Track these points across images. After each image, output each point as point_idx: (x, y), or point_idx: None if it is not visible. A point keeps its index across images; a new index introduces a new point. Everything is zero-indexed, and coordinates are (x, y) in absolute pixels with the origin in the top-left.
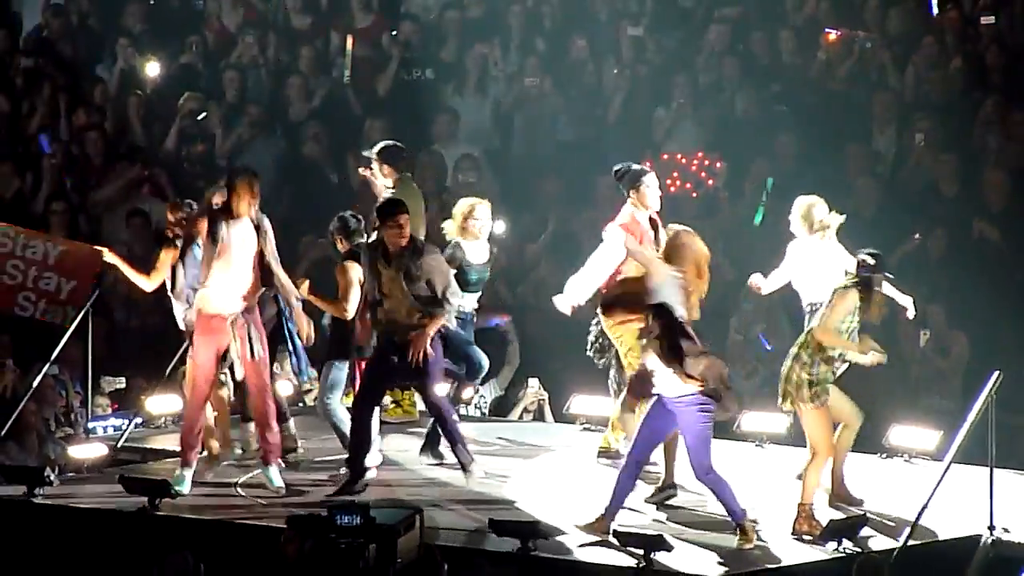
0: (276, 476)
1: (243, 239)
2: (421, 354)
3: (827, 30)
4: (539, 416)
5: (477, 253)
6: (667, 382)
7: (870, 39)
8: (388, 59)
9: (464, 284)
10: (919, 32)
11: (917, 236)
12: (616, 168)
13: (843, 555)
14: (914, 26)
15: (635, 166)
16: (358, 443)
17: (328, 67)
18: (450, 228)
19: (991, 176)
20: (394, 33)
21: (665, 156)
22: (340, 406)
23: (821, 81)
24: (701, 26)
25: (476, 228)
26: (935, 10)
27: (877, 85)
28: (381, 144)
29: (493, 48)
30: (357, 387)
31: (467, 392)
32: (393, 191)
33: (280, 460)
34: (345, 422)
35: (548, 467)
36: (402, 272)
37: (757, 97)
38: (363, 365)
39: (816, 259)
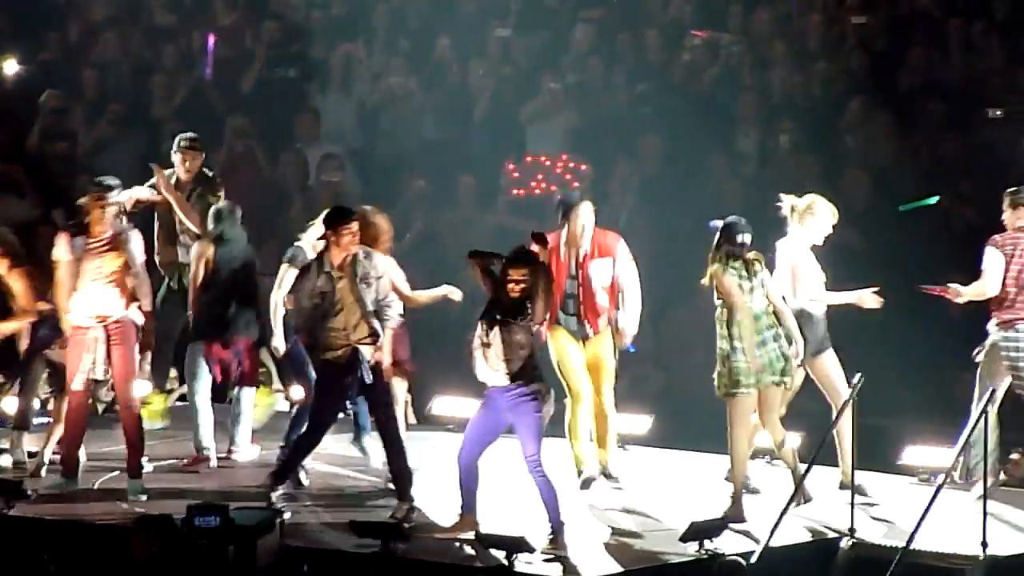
0: (138, 489)
1: (100, 257)
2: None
3: (693, 32)
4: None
5: None
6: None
7: (736, 42)
8: (252, 57)
9: None
10: (783, 34)
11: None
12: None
13: (704, 556)
14: (778, 28)
15: (569, 194)
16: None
17: (191, 65)
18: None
19: (853, 178)
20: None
21: (529, 158)
22: (202, 396)
23: (686, 83)
24: (567, 26)
25: None
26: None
27: (742, 87)
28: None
29: (358, 47)
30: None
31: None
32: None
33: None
34: (202, 414)
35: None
36: (357, 279)
37: (623, 98)
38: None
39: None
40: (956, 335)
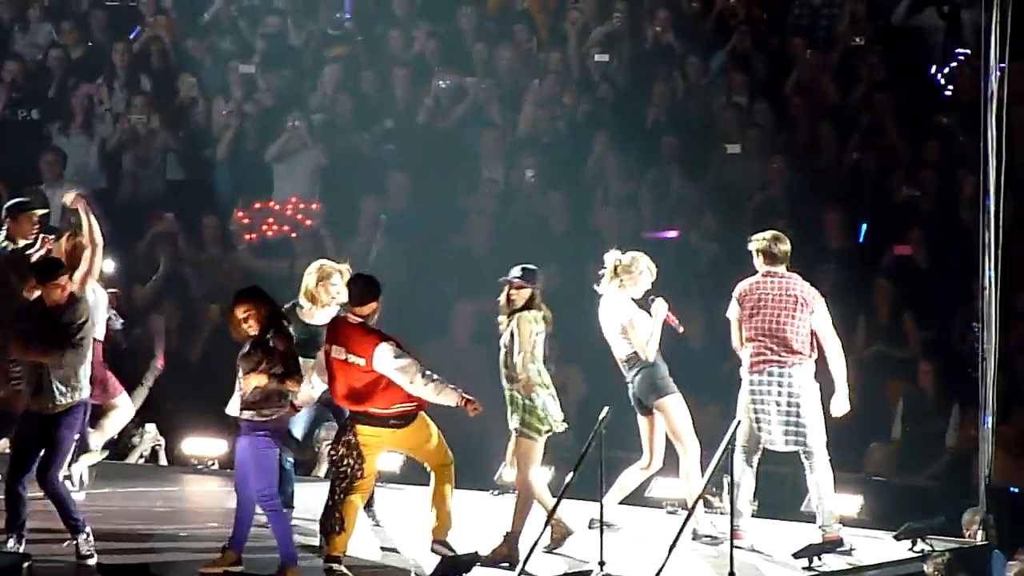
0: None
1: None
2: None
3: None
4: (153, 460)
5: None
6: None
7: (482, 81)
8: None
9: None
10: (528, 71)
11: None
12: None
13: None
14: (522, 66)
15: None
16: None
17: None
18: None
19: (601, 213)
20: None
21: (258, 204)
22: None
23: (431, 120)
24: (312, 65)
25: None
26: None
27: (486, 123)
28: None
29: (99, 87)
30: None
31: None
32: None
33: None
34: None
35: (163, 511)
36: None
37: (369, 135)
38: None
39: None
40: (695, 367)
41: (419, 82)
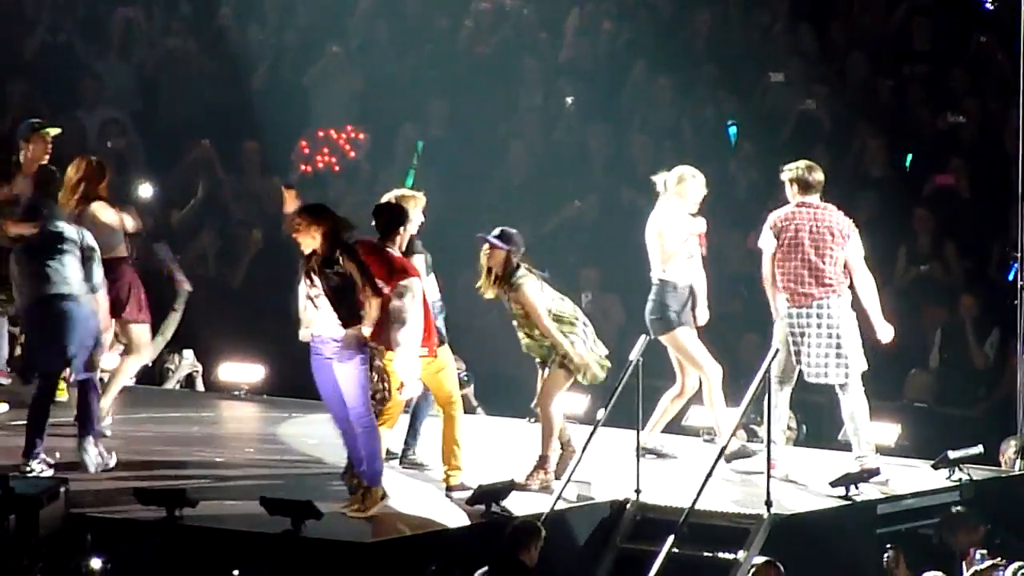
0: None
1: None
2: None
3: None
4: (190, 386)
5: None
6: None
7: (524, 6)
8: (35, 21)
9: None
10: None
11: (578, 203)
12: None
13: (492, 518)
14: None
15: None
16: None
17: None
18: None
19: (638, 141)
20: None
21: (321, 133)
22: None
23: (471, 46)
24: None
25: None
26: None
27: (527, 50)
28: None
29: (136, 10)
30: None
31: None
32: None
33: None
34: None
35: (199, 436)
36: None
37: (408, 61)
38: None
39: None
40: (740, 296)
41: (459, 6)
